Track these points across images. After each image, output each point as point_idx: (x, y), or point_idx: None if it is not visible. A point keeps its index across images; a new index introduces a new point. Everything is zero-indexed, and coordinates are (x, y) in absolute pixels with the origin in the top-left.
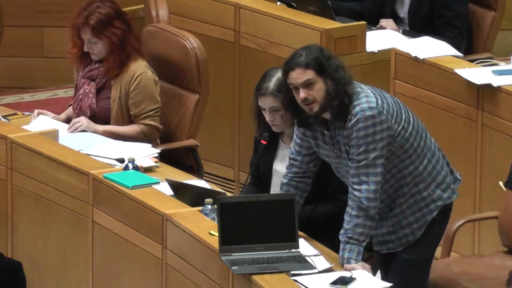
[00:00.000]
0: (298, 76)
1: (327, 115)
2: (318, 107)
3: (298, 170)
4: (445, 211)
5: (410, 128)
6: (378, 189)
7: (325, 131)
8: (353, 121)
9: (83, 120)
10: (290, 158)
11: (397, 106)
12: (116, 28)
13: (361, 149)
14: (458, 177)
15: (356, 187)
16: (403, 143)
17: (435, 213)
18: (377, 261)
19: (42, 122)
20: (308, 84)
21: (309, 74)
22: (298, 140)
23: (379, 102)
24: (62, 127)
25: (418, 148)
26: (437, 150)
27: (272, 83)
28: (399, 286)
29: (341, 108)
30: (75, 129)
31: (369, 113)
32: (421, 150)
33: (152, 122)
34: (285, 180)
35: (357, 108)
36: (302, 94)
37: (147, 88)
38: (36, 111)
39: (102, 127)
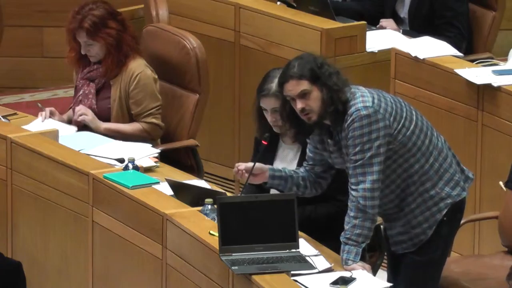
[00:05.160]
0: (293, 87)
1: (327, 122)
2: (316, 116)
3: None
4: (455, 212)
5: (413, 126)
6: (375, 188)
7: (329, 140)
8: (349, 121)
9: (89, 113)
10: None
11: (397, 105)
12: (110, 28)
13: (357, 148)
14: (470, 176)
15: (353, 187)
16: (405, 141)
17: (444, 211)
18: (387, 261)
19: (45, 123)
20: (303, 95)
21: (304, 85)
22: (310, 154)
23: (375, 101)
24: (65, 128)
25: (423, 146)
26: (445, 149)
27: (274, 84)
28: (409, 287)
29: (337, 114)
30: (81, 118)
31: (364, 112)
32: (426, 148)
33: (154, 120)
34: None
35: (353, 108)
36: (299, 105)
37: (147, 87)
38: (48, 109)
39: (104, 125)
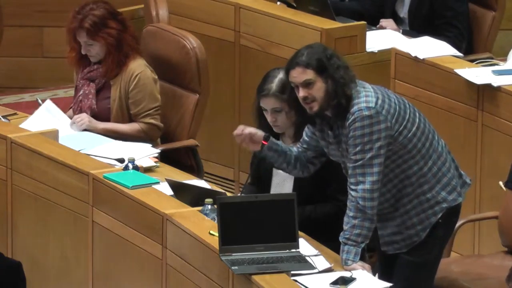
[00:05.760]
0: (298, 75)
1: (329, 114)
2: (317, 106)
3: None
4: (451, 215)
5: (414, 128)
6: (374, 189)
7: (329, 131)
8: (350, 120)
9: (84, 117)
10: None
11: (401, 106)
12: (111, 28)
13: (358, 148)
14: (468, 181)
15: (353, 187)
16: (405, 143)
17: (439, 215)
18: (378, 261)
19: (46, 117)
20: (307, 84)
21: (309, 74)
22: (306, 138)
23: (379, 102)
24: (64, 125)
25: (423, 149)
26: (444, 153)
27: (274, 84)
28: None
29: (339, 109)
30: (82, 127)
31: (366, 112)
32: (426, 151)
33: (152, 121)
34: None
35: (355, 107)
36: (301, 93)
37: (147, 87)
38: (48, 101)
39: (102, 125)
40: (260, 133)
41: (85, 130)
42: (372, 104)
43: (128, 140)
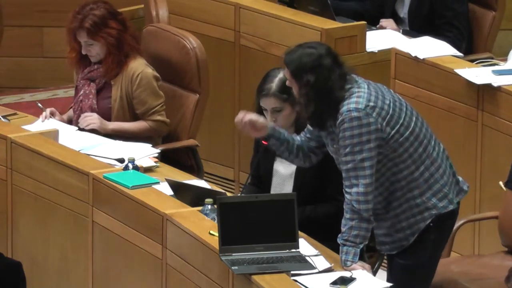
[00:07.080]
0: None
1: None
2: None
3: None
4: (443, 220)
5: (408, 133)
6: (368, 191)
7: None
8: (339, 120)
9: (95, 118)
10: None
11: (395, 110)
12: (111, 28)
13: (347, 149)
14: (465, 188)
15: (347, 190)
16: (396, 147)
17: (428, 221)
18: (387, 260)
19: (46, 123)
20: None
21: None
22: (310, 128)
23: (370, 103)
24: (65, 128)
25: (415, 154)
26: (440, 159)
27: (274, 84)
28: None
29: (321, 114)
30: (87, 125)
31: (355, 114)
32: (418, 156)
33: (159, 117)
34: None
35: (345, 108)
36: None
37: (149, 85)
38: (48, 109)
39: (111, 125)
40: (262, 120)
41: (91, 130)
42: (361, 106)
43: (138, 138)
